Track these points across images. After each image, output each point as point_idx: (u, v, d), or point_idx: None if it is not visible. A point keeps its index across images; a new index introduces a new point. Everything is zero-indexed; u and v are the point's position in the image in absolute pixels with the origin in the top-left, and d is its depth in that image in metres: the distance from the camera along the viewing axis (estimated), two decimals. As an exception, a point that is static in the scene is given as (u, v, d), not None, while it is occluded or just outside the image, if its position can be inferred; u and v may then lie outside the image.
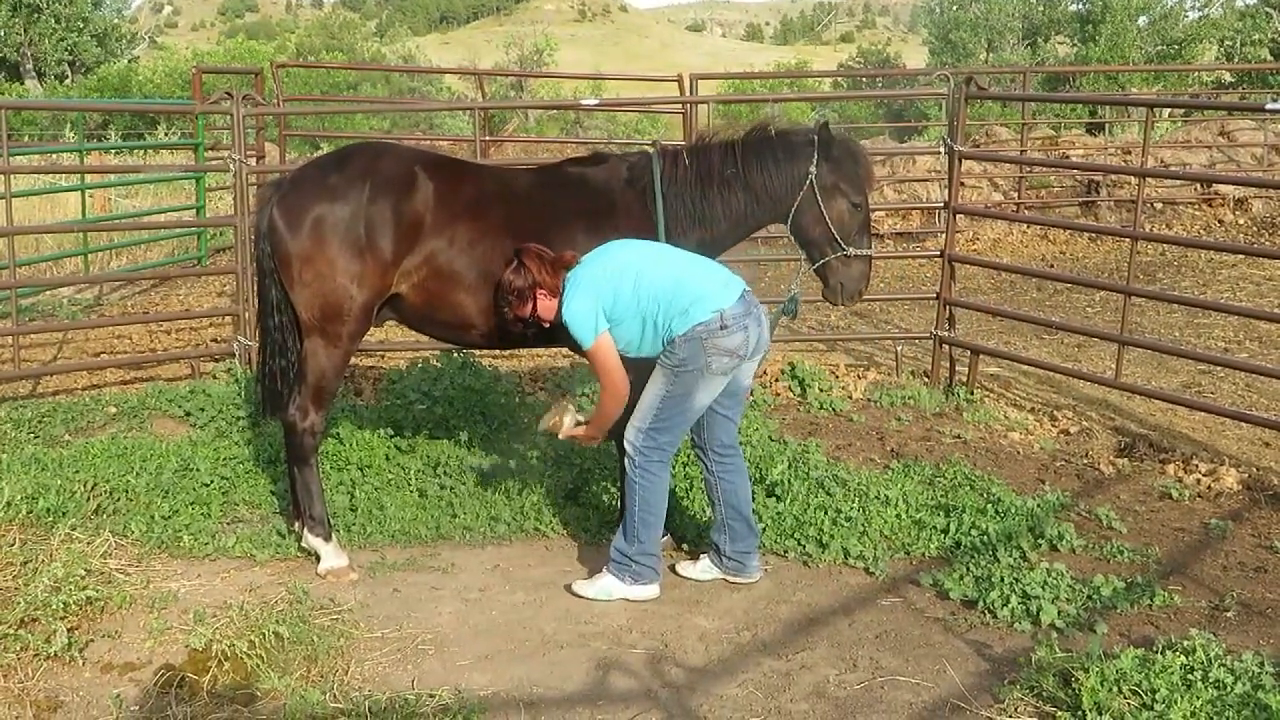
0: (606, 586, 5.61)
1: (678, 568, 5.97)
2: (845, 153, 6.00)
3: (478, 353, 8.69)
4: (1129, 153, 18.06)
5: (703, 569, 5.91)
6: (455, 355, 8.54)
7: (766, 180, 5.94)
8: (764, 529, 6.27)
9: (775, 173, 5.94)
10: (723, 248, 6.23)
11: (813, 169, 5.90)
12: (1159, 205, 17.38)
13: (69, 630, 5.03)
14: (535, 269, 5.45)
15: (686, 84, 13.10)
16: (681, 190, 5.97)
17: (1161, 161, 17.54)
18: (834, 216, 5.96)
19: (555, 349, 7.17)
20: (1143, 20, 39.84)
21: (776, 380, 9.08)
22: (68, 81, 46.45)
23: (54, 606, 5.11)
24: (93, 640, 5.10)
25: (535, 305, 5.51)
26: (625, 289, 5.34)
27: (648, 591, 5.62)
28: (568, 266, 5.48)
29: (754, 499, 6.50)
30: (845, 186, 5.96)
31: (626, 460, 5.56)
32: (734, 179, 5.96)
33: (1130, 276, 8.53)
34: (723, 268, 5.62)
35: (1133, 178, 15.97)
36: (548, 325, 5.62)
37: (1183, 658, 4.58)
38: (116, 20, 52.51)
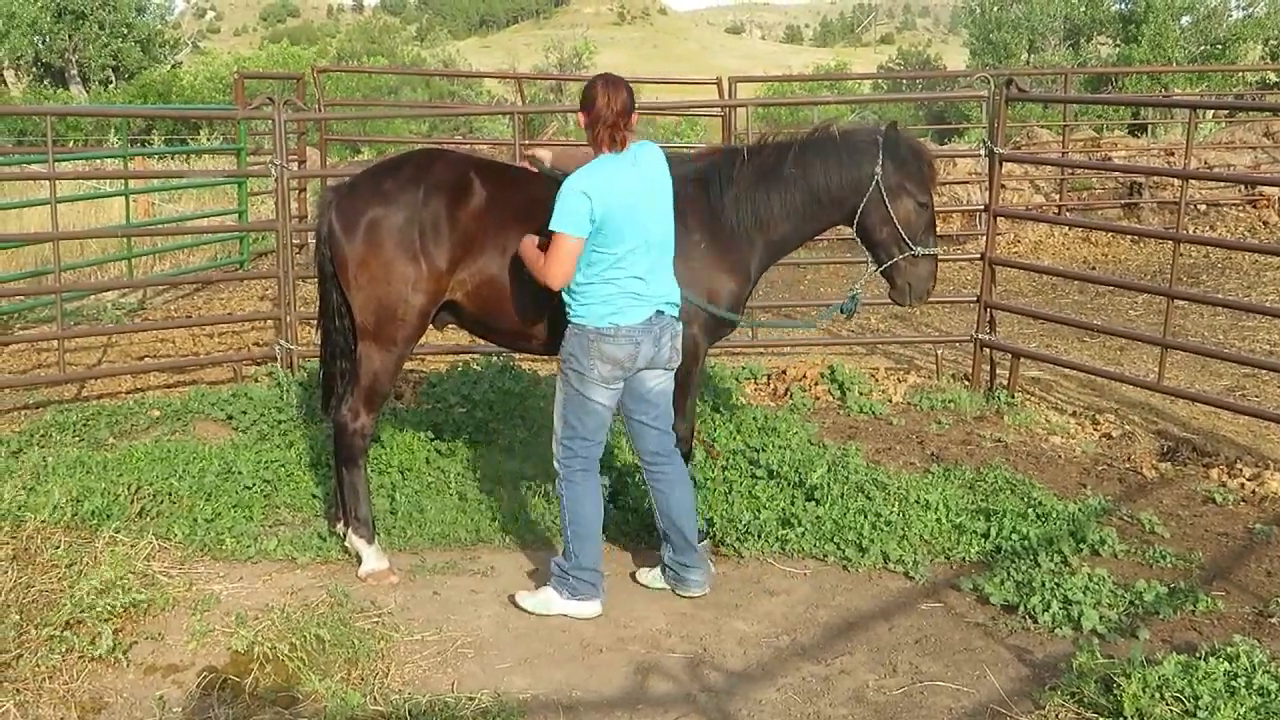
0: (546, 599, 5.55)
1: (637, 575, 5.96)
2: (910, 152, 5.96)
3: (518, 356, 8.72)
4: (1172, 154, 17.90)
5: (653, 577, 5.89)
6: (495, 359, 8.57)
7: (828, 181, 5.91)
8: (803, 533, 6.26)
9: (837, 174, 5.90)
10: (785, 249, 6.23)
11: (878, 170, 5.86)
12: (1202, 207, 17.23)
13: (114, 632, 5.09)
14: (607, 103, 5.14)
15: (725, 87, 13.11)
16: (741, 190, 5.94)
17: (1205, 163, 17.38)
18: (901, 217, 5.92)
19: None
20: (1186, 20, 39.51)
21: (816, 384, 9.06)
22: (112, 87, 46.96)
23: (99, 609, 5.17)
24: (137, 642, 5.15)
25: (584, 113, 5.26)
26: (609, 232, 5.15)
27: (587, 608, 5.51)
28: (609, 146, 5.21)
29: (793, 503, 6.52)
30: (911, 186, 5.91)
31: (556, 478, 5.53)
32: (794, 180, 5.93)
33: (1173, 279, 8.46)
34: (663, 283, 5.40)
35: (1176, 179, 15.82)
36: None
37: (1226, 664, 4.54)
38: (160, 26, 53.05)
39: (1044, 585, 5.55)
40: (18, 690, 4.64)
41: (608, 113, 5.16)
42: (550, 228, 5.16)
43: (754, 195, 5.92)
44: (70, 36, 47.61)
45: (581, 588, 5.50)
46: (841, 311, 6.29)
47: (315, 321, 6.50)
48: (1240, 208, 17.25)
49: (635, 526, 6.51)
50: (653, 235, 5.30)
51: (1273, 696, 4.33)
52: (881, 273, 6.14)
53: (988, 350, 9.31)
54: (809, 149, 5.96)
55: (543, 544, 6.40)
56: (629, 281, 5.24)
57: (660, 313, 5.36)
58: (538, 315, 5.91)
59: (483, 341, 6.71)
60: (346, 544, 6.10)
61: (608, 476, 6.98)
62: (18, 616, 5.03)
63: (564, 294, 5.33)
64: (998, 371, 9.24)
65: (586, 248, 5.19)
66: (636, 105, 5.26)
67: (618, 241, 5.17)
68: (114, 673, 4.93)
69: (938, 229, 6.16)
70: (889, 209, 5.90)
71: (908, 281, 6.06)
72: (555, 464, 5.48)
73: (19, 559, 5.54)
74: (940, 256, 6.16)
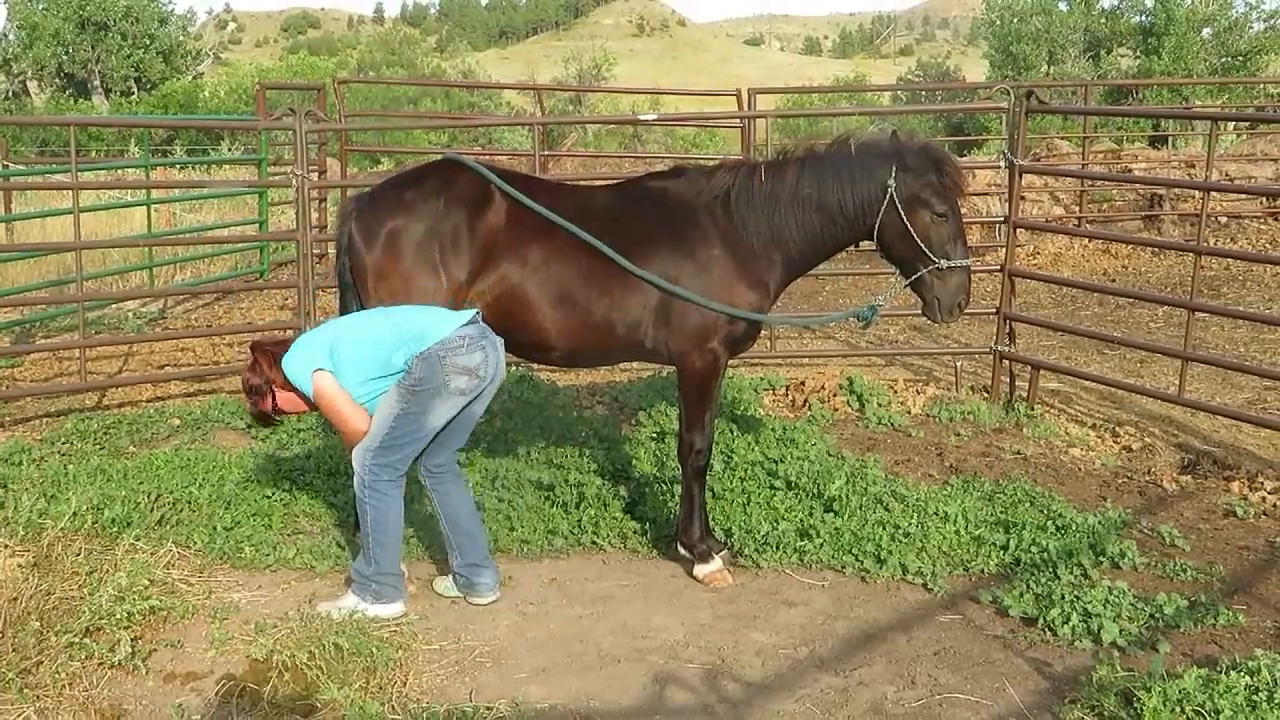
0: (349, 605, 5.52)
1: (434, 584, 5.94)
2: (925, 161, 5.74)
3: (536, 366, 8.73)
4: (1193, 166, 17.86)
5: (446, 585, 5.87)
6: (514, 369, 8.58)
7: (842, 199, 5.76)
8: (821, 544, 6.24)
9: (850, 190, 5.75)
10: (807, 266, 6.13)
11: (891, 182, 5.69)
12: (1223, 219, 17.17)
13: (133, 639, 5.11)
14: (268, 366, 5.39)
15: (745, 99, 13.11)
16: (758, 208, 5.87)
17: (1226, 175, 17.32)
18: (919, 229, 5.72)
19: (630, 364, 7.20)
20: (1207, 32, 39.33)
21: (835, 395, 9.05)
22: (134, 97, 47.21)
23: (118, 616, 5.18)
24: (156, 650, 5.17)
25: (275, 400, 5.45)
26: (344, 336, 5.37)
27: (391, 610, 5.52)
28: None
29: (812, 514, 6.51)
30: (927, 196, 5.71)
31: (356, 481, 5.49)
32: (809, 199, 5.81)
33: (1194, 291, 8.43)
34: (443, 309, 5.61)
35: (1197, 191, 15.77)
36: (291, 415, 5.65)
37: (1247, 678, 4.51)
38: (182, 37, 53.29)
39: (1063, 598, 5.52)
40: (38, 697, 4.65)
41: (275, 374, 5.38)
42: (313, 398, 5.34)
43: (771, 214, 5.86)
44: (93, 47, 47.88)
45: (385, 591, 5.52)
46: (858, 319, 6.22)
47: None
48: (1262, 220, 17.20)
49: (653, 537, 6.52)
50: (383, 313, 5.55)
51: (1294, 711, 4.30)
52: (912, 288, 5.97)
53: (1007, 362, 9.29)
54: (823, 165, 5.85)
55: (561, 554, 6.41)
56: (422, 317, 5.45)
57: (479, 314, 5.51)
58: (559, 326, 5.92)
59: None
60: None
61: (626, 487, 6.99)
62: (38, 623, 5.04)
63: (407, 357, 5.31)
64: (1017, 383, 9.21)
65: (371, 352, 5.33)
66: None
67: (372, 332, 5.40)
68: (133, 680, 4.94)
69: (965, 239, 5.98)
70: (905, 222, 5.71)
71: (936, 296, 5.85)
72: (359, 467, 5.44)
73: (40, 566, 5.56)
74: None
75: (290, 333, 5.59)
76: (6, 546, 5.68)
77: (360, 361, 5.30)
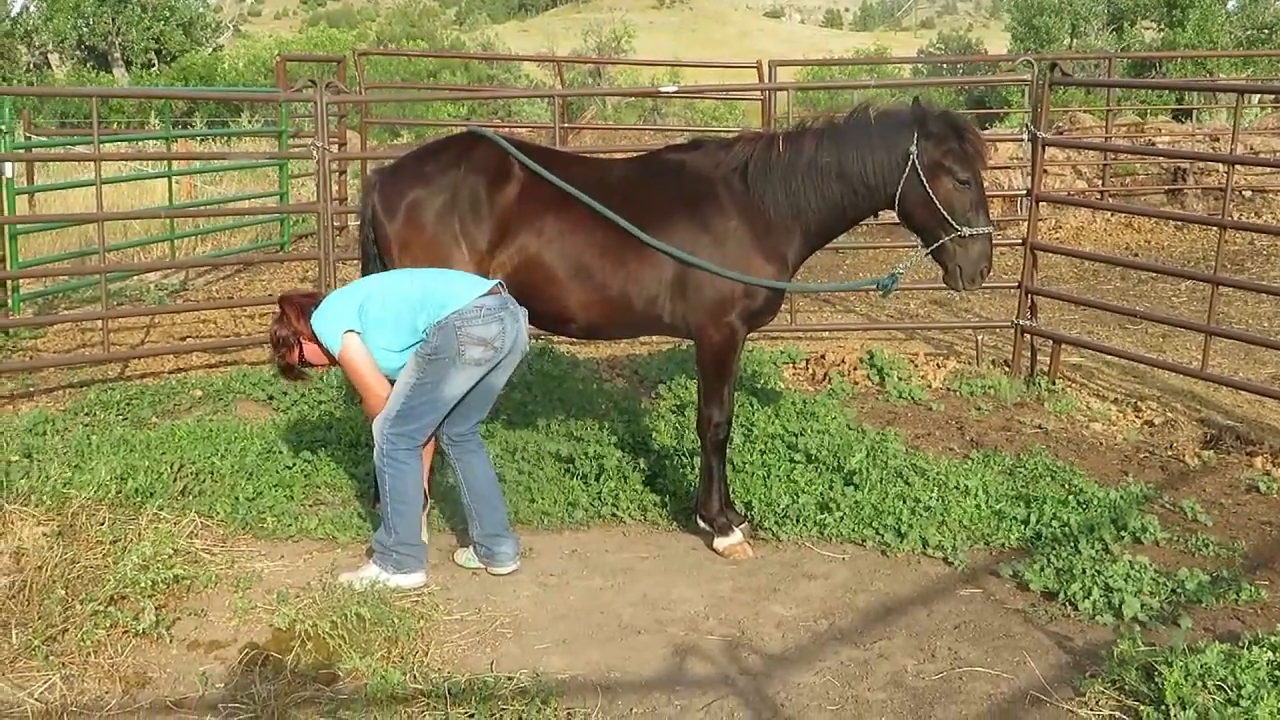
0: (371, 574, 5.53)
1: (455, 556, 5.95)
2: (946, 128, 5.70)
3: (556, 338, 8.73)
4: (1217, 139, 17.70)
5: (467, 556, 5.89)
6: (533, 341, 8.58)
7: (862, 167, 5.72)
8: (841, 517, 6.24)
9: (871, 158, 5.71)
10: (827, 237, 6.11)
11: (913, 149, 5.65)
12: (1248, 193, 17.03)
13: (157, 608, 5.14)
14: (295, 317, 5.46)
15: (765, 71, 13.05)
16: (777, 179, 5.84)
17: (1251, 148, 17.16)
18: (941, 196, 5.67)
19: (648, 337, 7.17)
20: (1232, 4, 39.09)
21: (855, 368, 9.03)
22: (154, 70, 47.34)
23: (142, 585, 5.22)
24: (180, 618, 5.21)
25: (302, 351, 5.51)
26: (374, 295, 5.42)
27: (413, 579, 5.54)
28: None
29: (832, 487, 6.51)
30: (949, 163, 5.67)
31: (375, 451, 5.50)
32: (829, 168, 5.78)
33: (1218, 265, 8.37)
34: (470, 275, 5.65)
35: (1221, 165, 15.66)
36: (320, 368, 5.70)
37: (1269, 653, 4.49)
38: (202, 9, 53.40)
39: (1084, 572, 5.51)
40: (64, 664, 4.70)
41: (302, 327, 5.48)
42: (339, 358, 5.40)
43: (789, 184, 5.82)
44: (113, 20, 48.01)
45: (406, 561, 5.54)
46: (878, 288, 6.19)
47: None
48: (1286, 194, 17.05)
49: (673, 509, 6.53)
50: (409, 277, 5.59)
51: (1316, 686, 4.29)
52: (933, 257, 5.93)
53: (1029, 336, 9.26)
54: (843, 134, 5.81)
55: (582, 526, 6.42)
56: (446, 284, 5.44)
57: (501, 284, 5.55)
58: (577, 298, 5.92)
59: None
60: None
61: (646, 459, 7.00)
62: (63, 591, 5.09)
63: (428, 323, 5.33)
64: (1038, 358, 9.18)
65: (394, 313, 5.38)
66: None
67: (399, 293, 5.44)
68: (157, 648, 4.98)
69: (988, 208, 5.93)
70: (928, 189, 5.67)
71: (958, 265, 5.80)
72: (378, 436, 5.46)
73: (64, 535, 5.60)
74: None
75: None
76: (32, 515, 5.72)
77: (386, 321, 5.34)
